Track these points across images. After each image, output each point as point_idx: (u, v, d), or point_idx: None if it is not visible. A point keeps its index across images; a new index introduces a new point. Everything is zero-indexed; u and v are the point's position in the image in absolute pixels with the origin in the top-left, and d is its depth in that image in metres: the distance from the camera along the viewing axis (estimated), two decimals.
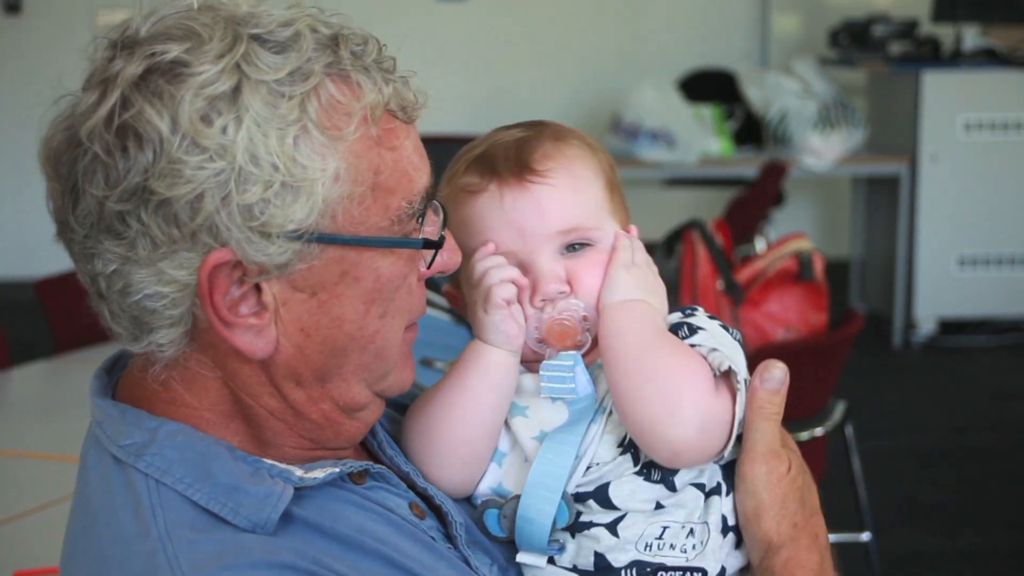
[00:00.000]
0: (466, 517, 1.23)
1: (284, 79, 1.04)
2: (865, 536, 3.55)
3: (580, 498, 1.20)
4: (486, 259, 1.23)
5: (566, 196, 1.24)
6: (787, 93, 6.43)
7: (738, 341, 1.23)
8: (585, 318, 1.22)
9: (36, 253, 6.16)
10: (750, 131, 6.58)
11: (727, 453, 1.20)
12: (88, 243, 1.06)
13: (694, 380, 1.17)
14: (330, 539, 1.10)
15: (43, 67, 7.08)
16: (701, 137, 6.32)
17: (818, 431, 3.18)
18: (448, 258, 1.18)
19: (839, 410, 3.33)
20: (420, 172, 1.13)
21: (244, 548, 1.05)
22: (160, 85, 1.03)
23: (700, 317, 1.23)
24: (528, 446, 1.22)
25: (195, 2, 1.08)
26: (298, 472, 1.12)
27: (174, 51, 1.03)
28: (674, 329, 1.22)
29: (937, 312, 6.38)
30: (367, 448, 1.25)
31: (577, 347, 1.21)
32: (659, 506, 1.20)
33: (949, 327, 6.41)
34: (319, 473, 1.13)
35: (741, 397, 1.19)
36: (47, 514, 2.07)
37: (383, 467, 1.19)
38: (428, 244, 1.14)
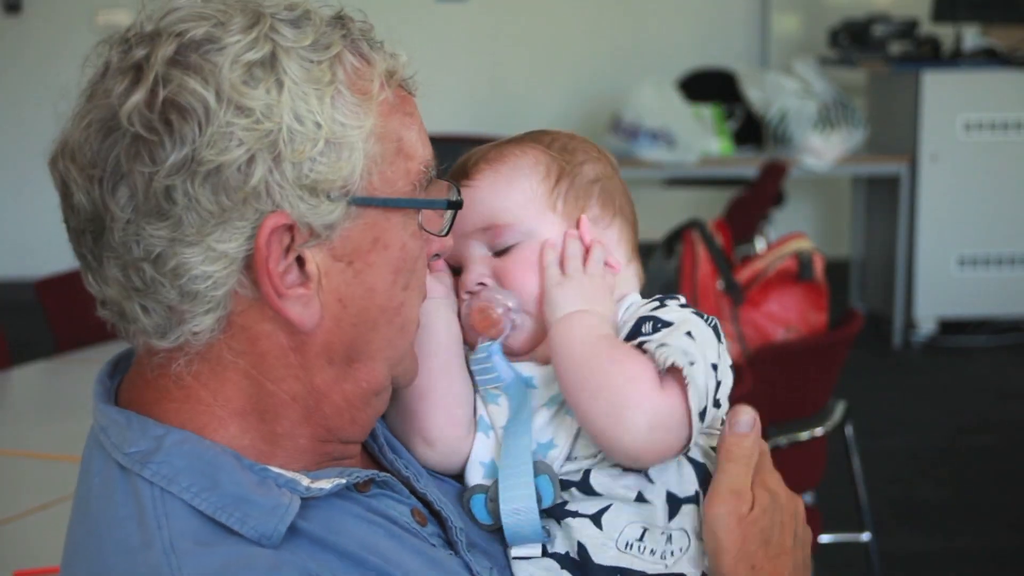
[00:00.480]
0: (466, 521, 1.23)
1: (310, 47, 1.08)
2: (865, 536, 3.54)
3: (565, 486, 1.22)
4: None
5: (484, 195, 1.27)
6: (787, 93, 6.44)
7: (713, 327, 1.23)
8: (508, 308, 1.24)
9: (36, 253, 6.17)
10: (750, 131, 6.58)
11: (695, 443, 1.20)
12: (130, 229, 1.05)
13: (636, 384, 1.17)
14: (333, 554, 1.09)
15: (43, 67, 7.08)
16: (701, 137, 6.32)
17: (818, 431, 3.18)
18: (447, 238, 1.22)
19: (839, 410, 3.33)
20: (427, 141, 1.17)
21: (248, 560, 1.04)
22: (195, 59, 1.05)
23: (670, 309, 1.23)
24: (501, 433, 1.25)
25: None
26: (304, 482, 1.11)
27: (203, 27, 1.06)
28: (639, 324, 1.22)
29: (937, 312, 6.39)
30: (369, 453, 1.25)
31: (497, 336, 1.24)
32: (641, 498, 1.20)
33: (949, 327, 6.41)
34: (325, 484, 1.12)
35: (694, 387, 1.17)
36: (47, 514, 2.07)
37: (387, 475, 1.19)
38: (452, 204, 1.18)
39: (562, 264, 1.26)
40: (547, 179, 1.29)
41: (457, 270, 1.30)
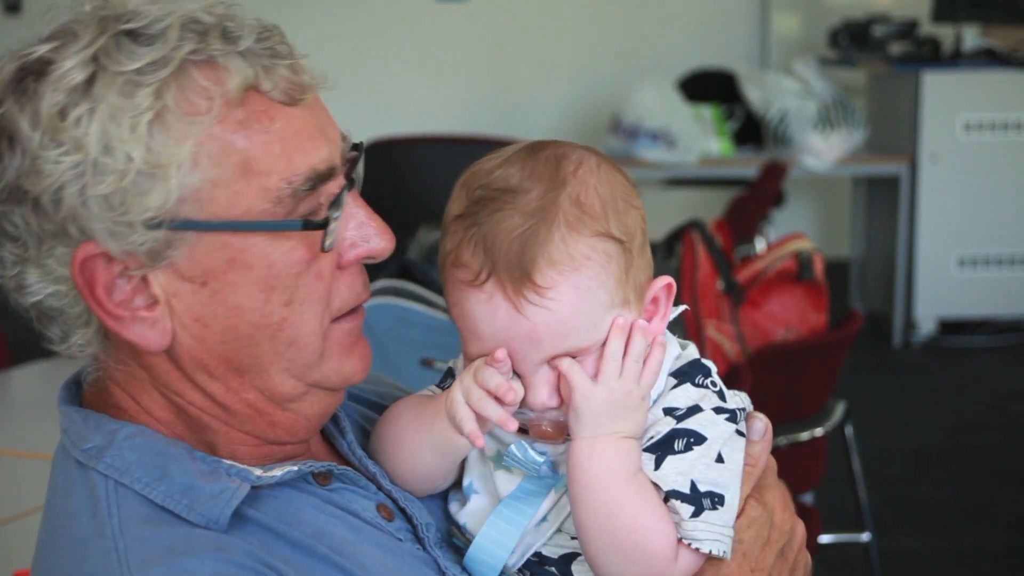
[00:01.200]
0: (437, 517, 1.22)
1: (144, 68, 1.05)
2: (865, 536, 3.54)
3: (543, 561, 1.18)
4: (487, 366, 1.15)
5: (563, 321, 1.13)
6: (787, 93, 6.43)
7: (736, 413, 1.17)
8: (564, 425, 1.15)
9: None
10: (750, 131, 6.58)
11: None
12: None
13: (651, 559, 1.12)
14: (283, 543, 1.10)
15: None
16: (701, 137, 6.32)
17: (818, 431, 3.18)
18: (374, 243, 1.15)
19: (839, 410, 3.33)
20: (307, 153, 1.09)
21: (193, 542, 1.05)
22: (27, 84, 1.06)
23: (705, 417, 1.15)
24: (502, 498, 1.20)
25: (87, 4, 1.10)
26: (257, 471, 1.12)
27: (41, 50, 1.07)
28: (671, 438, 1.14)
29: (937, 312, 6.38)
30: (336, 449, 1.25)
31: (554, 443, 1.17)
32: None
33: (949, 327, 6.41)
34: (277, 472, 1.13)
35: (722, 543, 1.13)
36: None
37: (348, 468, 1.19)
38: (309, 225, 1.09)
39: (599, 368, 1.14)
40: (621, 279, 1.15)
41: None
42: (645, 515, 1.12)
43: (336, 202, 1.12)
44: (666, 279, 1.20)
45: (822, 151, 6.32)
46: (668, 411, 1.16)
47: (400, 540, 1.17)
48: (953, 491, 4.55)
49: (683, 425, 1.15)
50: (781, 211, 6.83)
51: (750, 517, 1.19)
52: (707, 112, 6.51)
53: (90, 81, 1.04)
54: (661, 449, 1.14)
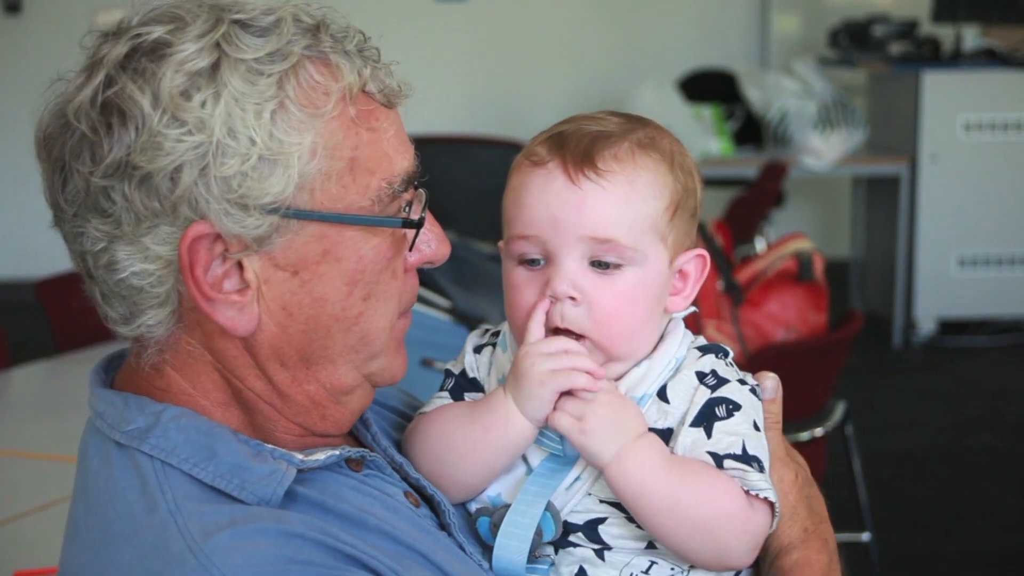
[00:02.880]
0: (459, 507, 1.25)
1: (263, 58, 1.07)
2: (865, 536, 3.55)
3: (569, 529, 1.20)
4: (560, 341, 1.19)
5: (613, 205, 1.18)
6: (787, 93, 6.43)
7: (758, 386, 1.24)
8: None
9: (36, 253, 6.17)
10: (750, 131, 6.58)
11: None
12: (77, 222, 1.10)
13: (733, 518, 1.16)
14: (335, 515, 1.12)
15: (43, 67, 7.05)
16: (701, 137, 6.32)
17: (818, 431, 3.18)
18: (435, 248, 1.20)
19: (839, 410, 3.33)
20: (401, 155, 1.15)
21: (253, 515, 1.06)
22: (143, 64, 1.07)
23: (734, 387, 1.20)
24: (533, 464, 1.23)
25: None
26: (299, 455, 1.14)
27: (157, 32, 1.07)
28: (711, 407, 1.18)
29: (937, 312, 6.39)
30: (360, 441, 1.27)
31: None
32: (651, 545, 1.20)
33: (949, 327, 6.41)
34: (320, 455, 1.15)
35: (772, 494, 1.17)
36: (47, 514, 2.07)
37: (378, 456, 1.22)
38: (407, 224, 1.15)
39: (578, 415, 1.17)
40: (670, 207, 1.21)
41: (535, 260, 1.22)
42: (703, 487, 1.16)
43: (422, 205, 1.18)
44: (700, 250, 1.25)
45: (822, 151, 6.32)
46: (700, 375, 1.20)
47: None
48: (952, 491, 4.55)
49: (718, 394, 1.19)
50: (781, 211, 6.83)
51: (804, 476, 1.27)
52: (707, 112, 6.51)
53: (214, 66, 1.06)
54: (706, 420, 1.18)
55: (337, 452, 1.16)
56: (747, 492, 1.16)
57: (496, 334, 1.30)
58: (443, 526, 1.22)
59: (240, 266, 1.10)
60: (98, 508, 1.11)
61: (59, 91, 1.11)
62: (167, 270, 1.09)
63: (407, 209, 1.16)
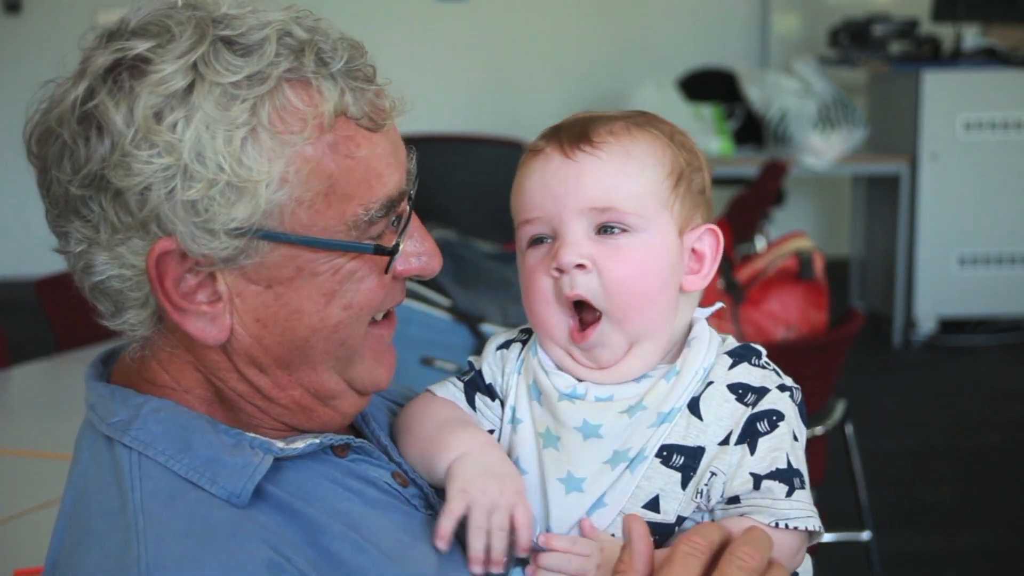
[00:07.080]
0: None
1: (241, 82, 1.07)
2: (865, 536, 3.55)
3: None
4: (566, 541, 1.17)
5: (610, 172, 1.19)
6: (787, 93, 6.43)
7: (797, 388, 1.21)
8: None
9: (36, 253, 6.16)
10: (750, 130, 6.58)
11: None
12: (60, 222, 1.11)
13: None
14: (299, 524, 1.11)
15: (43, 67, 7.05)
16: (701, 136, 6.32)
17: (818, 431, 3.18)
18: (426, 263, 1.20)
19: (839, 410, 3.33)
20: (384, 180, 1.13)
21: (211, 529, 1.07)
22: (123, 78, 1.07)
23: (775, 396, 1.17)
24: (552, 487, 1.19)
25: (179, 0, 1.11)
26: (279, 444, 1.15)
27: (140, 47, 1.07)
28: (753, 423, 1.15)
29: (937, 311, 6.39)
30: (353, 424, 1.28)
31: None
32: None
33: (949, 326, 6.41)
34: (300, 444, 1.16)
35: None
36: (47, 514, 2.06)
37: (364, 441, 1.22)
38: (379, 250, 1.14)
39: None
40: (671, 176, 1.21)
41: (542, 238, 1.22)
42: None
43: (403, 227, 1.16)
44: (710, 225, 1.24)
45: (822, 150, 6.32)
46: (733, 388, 1.18)
47: (415, 508, 1.21)
48: (953, 491, 4.55)
49: (759, 409, 1.17)
50: (781, 210, 6.83)
51: None
52: (707, 111, 6.51)
53: (189, 88, 1.06)
54: (749, 436, 1.16)
55: (318, 440, 1.17)
56: (775, 525, 1.12)
57: (527, 331, 1.28)
58: (430, 505, 1.22)
59: (213, 277, 1.11)
60: (83, 501, 1.13)
61: (48, 94, 1.12)
62: (143, 278, 1.10)
63: (395, 225, 1.16)
